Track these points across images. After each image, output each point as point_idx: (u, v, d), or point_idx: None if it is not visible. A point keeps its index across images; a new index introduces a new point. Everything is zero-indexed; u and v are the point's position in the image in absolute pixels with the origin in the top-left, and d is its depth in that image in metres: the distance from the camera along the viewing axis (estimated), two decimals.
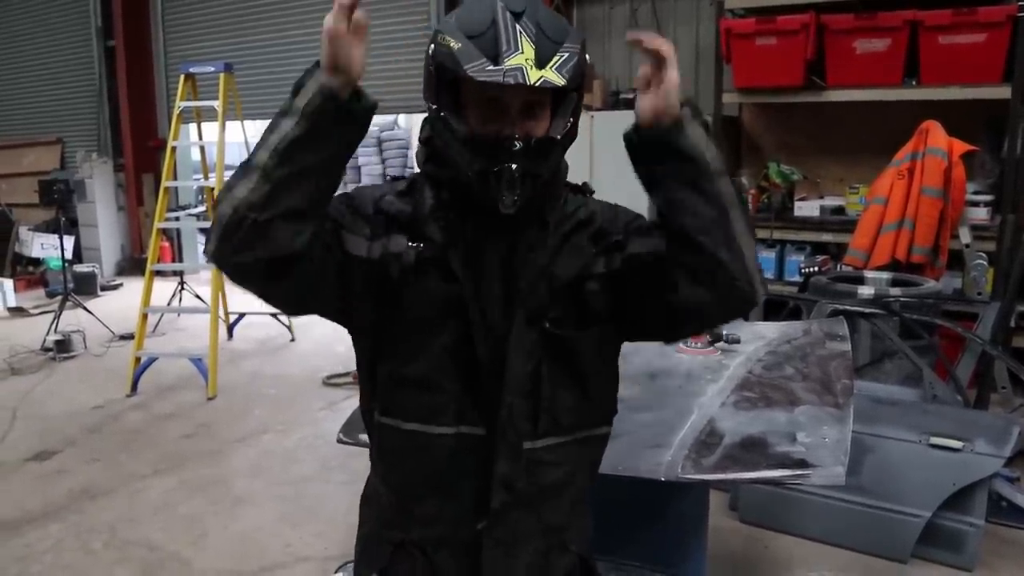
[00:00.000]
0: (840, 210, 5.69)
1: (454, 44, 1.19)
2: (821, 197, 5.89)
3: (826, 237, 5.61)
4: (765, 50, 5.49)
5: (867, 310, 3.70)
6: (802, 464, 1.98)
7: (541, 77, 1.17)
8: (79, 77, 10.89)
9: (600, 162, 6.52)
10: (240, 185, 1.17)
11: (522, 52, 1.17)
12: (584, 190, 1.44)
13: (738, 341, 2.78)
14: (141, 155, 10.12)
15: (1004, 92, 4.94)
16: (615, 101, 6.74)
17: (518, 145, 1.21)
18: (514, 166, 1.21)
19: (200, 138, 6.75)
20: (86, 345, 6.66)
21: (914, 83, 5.25)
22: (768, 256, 5.85)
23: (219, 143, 5.91)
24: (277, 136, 1.17)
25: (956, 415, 3.30)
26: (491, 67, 1.17)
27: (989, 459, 3.03)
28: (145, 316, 5.74)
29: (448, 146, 1.26)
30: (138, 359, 5.56)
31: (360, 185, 1.37)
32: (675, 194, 1.22)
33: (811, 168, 6.02)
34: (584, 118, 6.52)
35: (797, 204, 5.78)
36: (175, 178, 7.21)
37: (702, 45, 6.70)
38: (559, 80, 1.19)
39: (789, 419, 2.22)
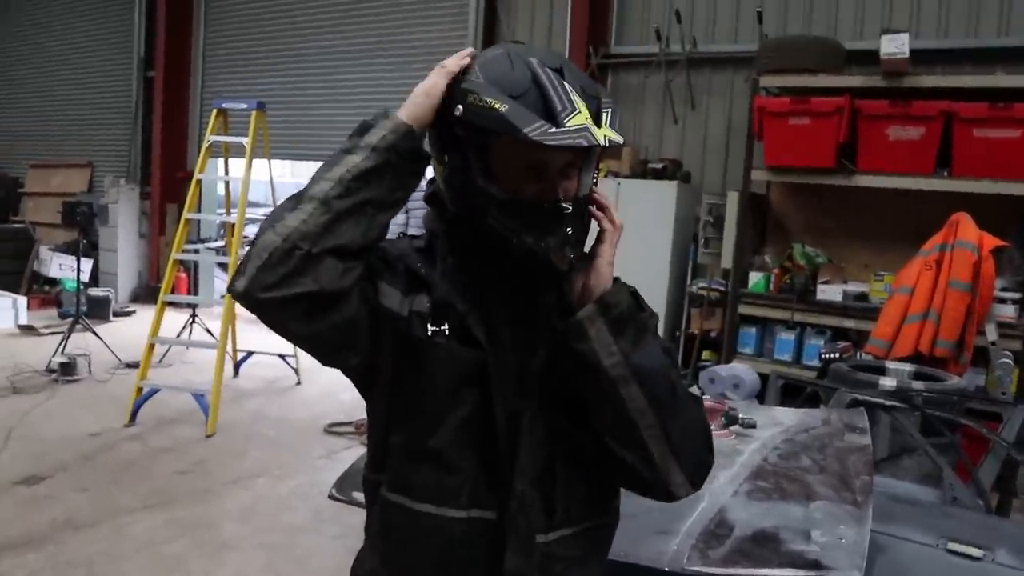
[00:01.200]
0: (863, 296, 5.59)
1: (499, 105, 1.11)
2: (845, 282, 5.80)
3: (848, 323, 5.50)
4: (797, 130, 5.46)
5: (888, 402, 3.57)
6: (816, 565, 1.85)
7: (605, 136, 1.13)
8: (116, 104, 11.10)
9: (624, 228, 6.48)
10: (292, 215, 1.13)
11: (579, 111, 1.12)
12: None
13: (754, 426, 2.67)
14: (168, 185, 10.23)
15: None
16: (643, 170, 6.73)
17: (568, 208, 1.17)
18: (570, 230, 1.17)
19: (226, 173, 6.79)
20: (91, 370, 6.61)
21: (946, 174, 5.19)
22: (787, 338, 5.75)
23: (244, 179, 5.94)
24: (343, 168, 1.15)
25: (977, 520, 3.14)
26: (554, 129, 1.10)
27: (1012, 571, 2.86)
28: (152, 346, 5.69)
29: (483, 212, 1.19)
30: (140, 389, 5.49)
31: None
32: (585, 392, 1.20)
33: (836, 251, 5.94)
34: (611, 184, 6.51)
35: (820, 287, 5.68)
36: (199, 210, 7.25)
37: (734, 119, 6.71)
38: (619, 137, 1.16)
39: (804, 514, 2.10)
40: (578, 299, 1.20)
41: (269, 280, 1.10)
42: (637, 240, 6.63)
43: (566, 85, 1.14)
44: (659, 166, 6.72)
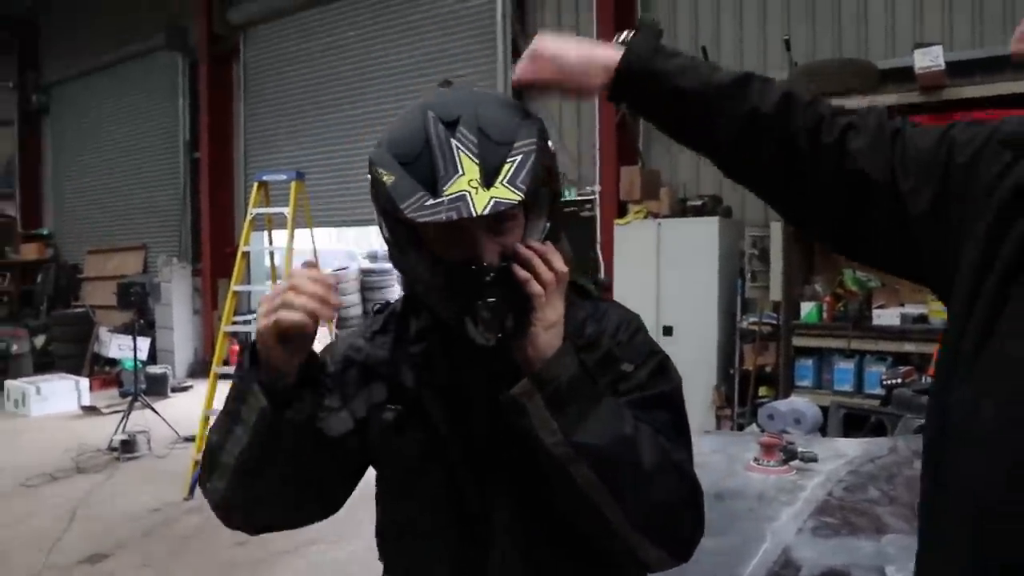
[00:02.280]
0: (923, 318, 5.38)
1: (387, 177, 1.03)
2: (901, 305, 5.61)
3: (908, 347, 5.29)
4: None
5: None
6: None
7: (490, 199, 0.99)
8: (166, 187, 11.52)
9: (667, 268, 6.40)
10: (216, 476, 1.12)
11: (463, 173, 1.00)
12: (590, 292, 1.24)
13: (815, 459, 2.55)
14: (218, 260, 10.47)
15: None
16: (683, 208, 6.66)
17: (490, 275, 1.03)
18: (490, 300, 1.03)
19: (271, 244, 6.91)
20: (150, 446, 6.70)
21: None
22: (846, 367, 5.56)
23: (287, 248, 6.04)
24: (234, 445, 1.08)
25: None
26: (430, 201, 0.99)
27: None
28: (207, 419, 5.74)
29: (415, 284, 1.14)
30: (197, 462, 5.53)
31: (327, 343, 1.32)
32: (540, 466, 1.08)
33: (888, 275, 5.76)
34: (651, 225, 6.42)
35: (875, 312, 5.50)
36: (248, 282, 7.37)
37: None
38: (514, 195, 1.01)
39: (876, 549, 1.98)
40: (523, 369, 1.06)
41: (232, 522, 1.19)
42: (683, 279, 6.55)
43: (453, 142, 1.02)
44: (699, 203, 6.64)
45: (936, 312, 5.28)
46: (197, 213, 10.96)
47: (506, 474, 1.15)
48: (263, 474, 1.08)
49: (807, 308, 5.76)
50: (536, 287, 1.04)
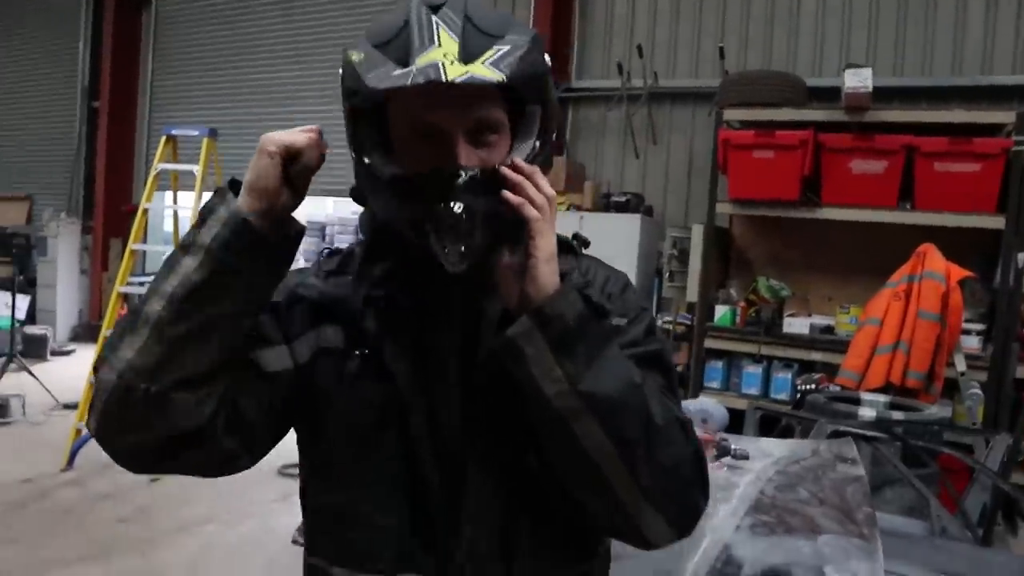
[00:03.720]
0: (830, 329, 5.55)
1: (355, 56, 0.94)
2: (810, 315, 5.76)
3: (815, 355, 5.43)
4: (762, 163, 5.45)
5: (869, 433, 3.48)
6: None
7: (466, 72, 0.88)
8: (58, 135, 10.73)
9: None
10: (126, 343, 0.93)
11: (439, 45, 0.90)
12: (573, 248, 1.13)
13: (747, 457, 2.54)
14: (112, 219, 9.85)
15: (998, 222, 4.92)
16: (606, 203, 6.66)
17: (462, 176, 0.92)
18: (457, 206, 0.91)
19: (175, 203, 6.51)
20: (25, 412, 6.21)
21: (908, 207, 5.21)
22: (754, 372, 5.67)
23: (195, 208, 5.69)
24: (175, 280, 0.93)
25: (969, 552, 3.03)
26: (397, 71, 0.89)
27: None
28: (91, 385, 5.35)
29: (375, 195, 1.00)
30: (79, 431, 5.15)
31: None
32: (535, 425, 0.97)
33: (799, 284, 5.92)
34: (573, 217, 6.35)
35: (787, 320, 5.63)
36: (144, 242, 6.94)
37: (695, 154, 6.72)
38: (493, 75, 0.89)
39: (813, 549, 1.97)
40: (516, 311, 0.94)
41: (114, 427, 0.94)
42: None
43: (434, 19, 0.92)
44: (622, 199, 6.66)
45: (843, 324, 5.45)
46: (92, 167, 10.26)
47: (478, 451, 1.02)
48: (197, 317, 0.92)
49: (721, 311, 5.84)
50: (532, 211, 0.91)
